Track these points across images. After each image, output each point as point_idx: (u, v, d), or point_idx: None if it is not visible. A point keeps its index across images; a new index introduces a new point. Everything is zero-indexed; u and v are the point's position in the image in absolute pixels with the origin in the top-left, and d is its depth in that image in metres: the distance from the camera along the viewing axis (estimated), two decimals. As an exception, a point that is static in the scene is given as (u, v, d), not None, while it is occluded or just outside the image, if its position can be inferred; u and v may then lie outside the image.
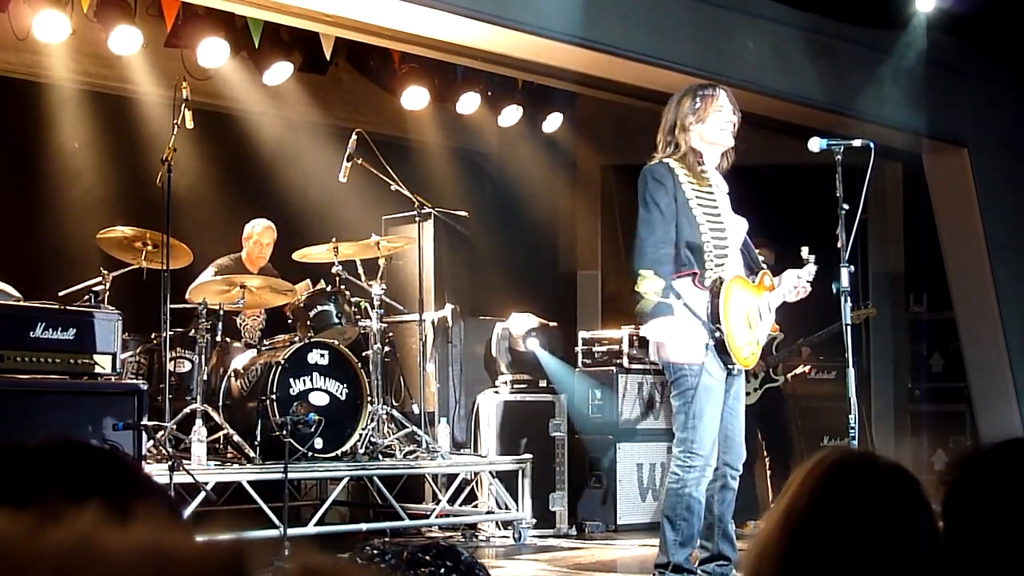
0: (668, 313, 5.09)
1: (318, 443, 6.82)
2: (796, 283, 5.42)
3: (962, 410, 9.75)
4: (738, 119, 5.38)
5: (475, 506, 7.71)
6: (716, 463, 5.26)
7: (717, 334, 5.13)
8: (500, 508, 7.62)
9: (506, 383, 8.19)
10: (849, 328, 5.29)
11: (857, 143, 5.44)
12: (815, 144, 5.40)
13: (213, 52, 7.84)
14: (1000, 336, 9.33)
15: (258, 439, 6.77)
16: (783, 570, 1.31)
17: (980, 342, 9.46)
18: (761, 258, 5.60)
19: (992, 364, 9.37)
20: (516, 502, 7.58)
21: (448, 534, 7.54)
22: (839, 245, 5.37)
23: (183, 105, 6.66)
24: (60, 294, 6.53)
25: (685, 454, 5.15)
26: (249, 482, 6.53)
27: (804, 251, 5.52)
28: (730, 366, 5.21)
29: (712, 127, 5.31)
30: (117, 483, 1.01)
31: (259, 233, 8.08)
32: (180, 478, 5.86)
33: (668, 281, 5.09)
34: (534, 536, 7.57)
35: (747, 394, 6.30)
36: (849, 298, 5.33)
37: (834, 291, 5.42)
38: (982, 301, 9.39)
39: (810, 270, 5.46)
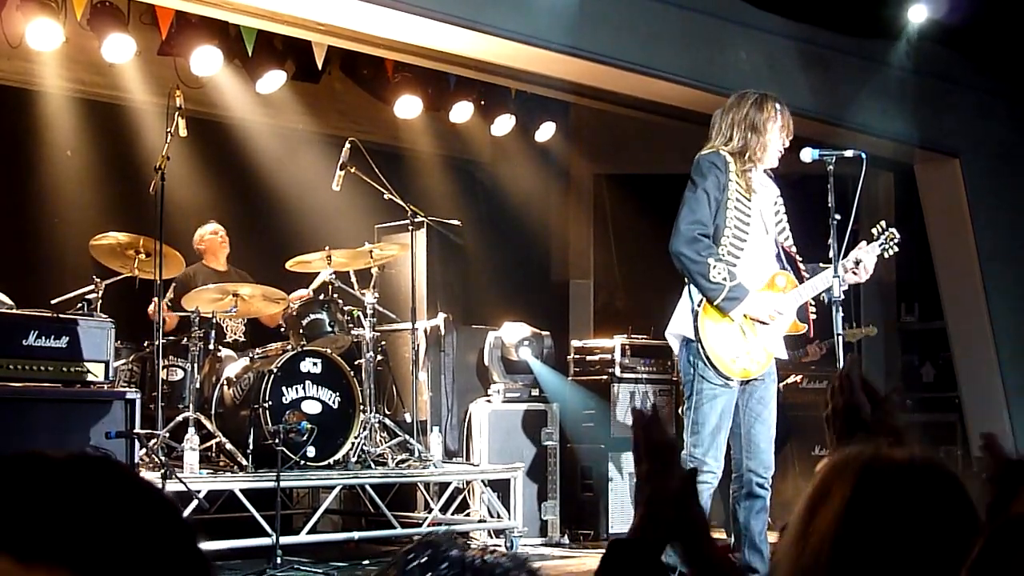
0: (746, 293, 5.24)
1: (310, 451, 6.81)
2: (858, 259, 5.42)
3: (953, 420, 9.75)
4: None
5: (467, 515, 7.70)
6: (741, 470, 5.29)
7: (696, 334, 5.23)
8: (492, 517, 7.62)
9: (498, 392, 8.19)
10: (841, 339, 5.30)
11: (849, 153, 5.47)
12: (807, 155, 5.42)
13: (206, 60, 7.85)
14: (991, 346, 9.35)
15: (251, 447, 6.76)
16: None
17: (971, 352, 9.48)
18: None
19: (983, 374, 9.40)
20: (508, 511, 7.59)
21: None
22: (831, 255, 5.40)
23: (177, 113, 6.67)
24: (53, 302, 6.53)
25: (690, 460, 5.19)
26: (241, 490, 6.52)
27: (879, 227, 5.52)
28: (726, 378, 5.25)
29: (775, 143, 5.39)
30: (118, 490, 1.01)
31: (210, 232, 8.06)
32: (172, 486, 5.86)
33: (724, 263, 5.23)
34: (526, 544, 7.57)
35: None
36: (841, 308, 5.34)
37: (825, 301, 5.43)
38: (973, 311, 9.42)
39: (867, 251, 5.46)
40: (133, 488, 1.03)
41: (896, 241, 5.51)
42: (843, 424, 2.17)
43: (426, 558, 1.05)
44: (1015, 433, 9.20)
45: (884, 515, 1.25)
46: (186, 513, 6.13)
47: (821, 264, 5.57)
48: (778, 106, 5.41)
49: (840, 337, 5.29)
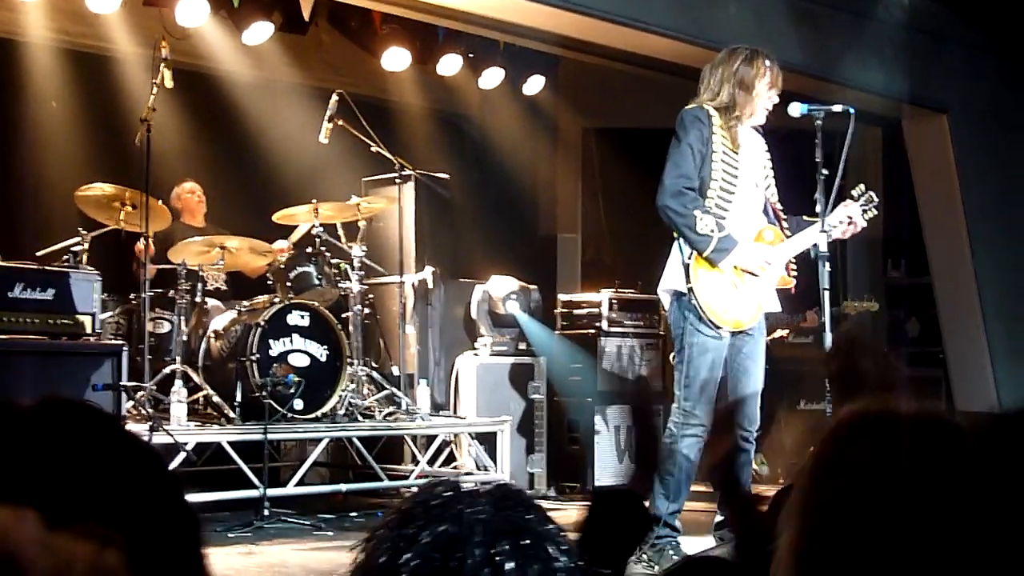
0: (735, 243, 5.26)
1: (298, 404, 6.82)
2: (843, 218, 5.45)
3: (938, 375, 9.79)
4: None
5: (454, 467, 7.73)
6: None
7: (688, 285, 5.24)
8: (479, 469, 7.65)
9: (486, 345, 8.20)
10: (827, 292, 5.31)
11: (837, 108, 5.46)
12: (796, 109, 5.42)
13: (192, 11, 7.76)
14: (976, 302, 9.38)
15: (238, 400, 6.77)
16: (808, 541, 1.27)
17: (956, 308, 9.51)
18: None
19: (968, 330, 9.43)
20: (495, 463, 7.62)
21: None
22: (818, 210, 5.40)
23: (162, 64, 6.60)
24: (38, 254, 6.50)
25: (680, 412, 5.24)
26: (229, 443, 6.53)
27: (859, 189, 5.55)
28: (718, 329, 5.29)
29: (763, 100, 5.38)
30: (104, 441, 1.00)
31: (187, 190, 8.00)
32: (160, 439, 5.87)
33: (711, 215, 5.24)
34: (513, 497, 7.60)
35: None
36: (828, 263, 5.35)
37: (812, 256, 5.44)
38: (959, 268, 9.44)
39: (855, 208, 5.49)
40: (111, 433, 1.01)
41: (875, 204, 5.55)
42: (845, 383, 2.23)
43: (423, 520, 1.03)
44: (998, 389, 9.26)
45: (895, 468, 1.26)
46: (173, 465, 6.15)
47: (804, 218, 5.58)
48: (768, 63, 5.40)
49: (827, 292, 5.31)
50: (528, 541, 0.99)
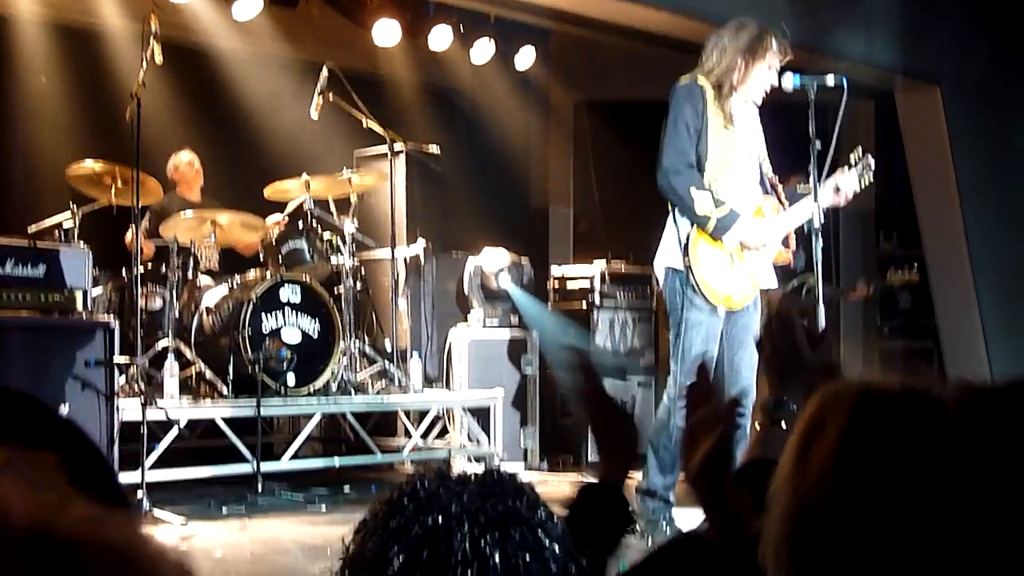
0: (737, 218, 5.26)
1: (291, 379, 6.82)
2: (839, 186, 5.47)
3: (929, 346, 9.83)
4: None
5: (447, 441, 7.75)
6: (722, 397, 5.33)
7: (686, 261, 5.25)
8: (472, 442, 7.67)
9: (478, 319, 8.20)
10: (820, 265, 5.32)
11: (830, 80, 5.45)
12: (788, 81, 5.41)
13: (182, -15, 7.71)
14: (968, 273, 9.40)
15: (231, 375, 6.76)
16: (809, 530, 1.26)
17: (948, 279, 9.53)
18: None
19: (959, 301, 9.45)
20: (488, 437, 7.63)
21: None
22: (811, 182, 5.40)
23: (152, 39, 6.55)
24: (30, 230, 6.49)
25: (675, 385, 5.26)
26: (223, 418, 6.54)
27: (856, 153, 5.55)
28: (713, 306, 5.30)
29: (763, 77, 5.37)
30: (33, 430, 0.96)
31: (185, 162, 7.99)
32: (153, 414, 5.87)
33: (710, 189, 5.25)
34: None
35: None
36: (821, 236, 5.36)
37: (805, 230, 5.45)
38: (951, 240, 9.45)
39: (850, 175, 5.49)
40: (37, 415, 0.98)
41: (872, 168, 5.54)
42: (781, 362, 2.24)
43: (412, 510, 1.02)
44: (990, 359, 9.29)
45: (880, 443, 1.26)
46: (167, 441, 6.16)
47: (797, 189, 5.58)
48: (775, 42, 5.37)
49: (819, 265, 5.32)
50: (516, 530, 0.99)
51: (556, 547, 0.99)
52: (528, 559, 0.97)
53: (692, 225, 5.29)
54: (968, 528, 1.22)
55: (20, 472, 0.74)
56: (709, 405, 1.99)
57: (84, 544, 0.65)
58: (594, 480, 1.94)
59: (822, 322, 5.18)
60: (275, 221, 7.65)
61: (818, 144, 5.34)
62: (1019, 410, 1.44)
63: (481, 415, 7.67)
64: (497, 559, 0.96)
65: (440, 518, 1.00)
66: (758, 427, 2.41)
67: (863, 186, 5.57)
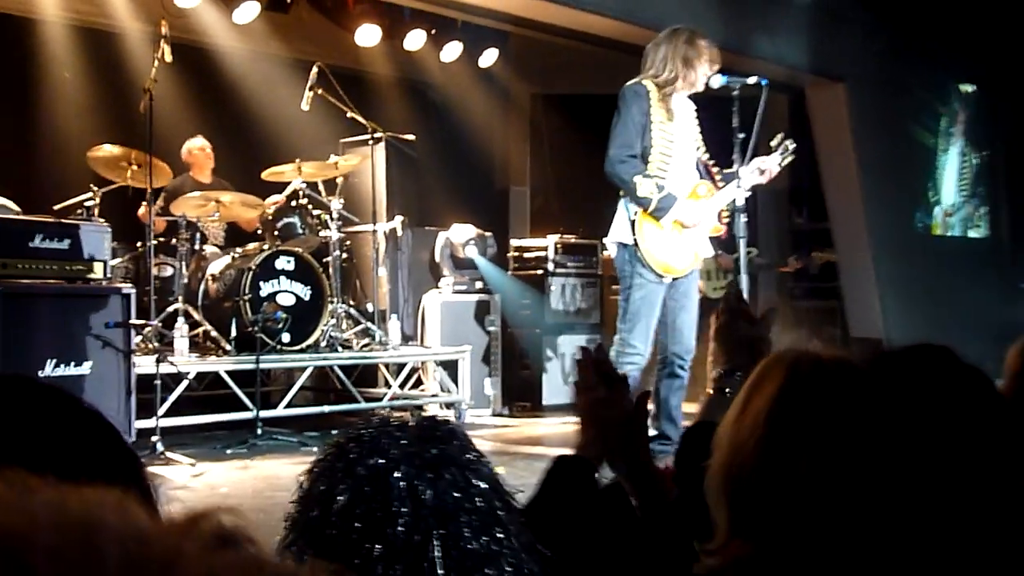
0: (674, 201, 5.28)
1: (285, 337, 6.78)
2: (762, 168, 5.48)
3: (835, 306, 9.91)
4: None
5: (422, 390, 7.75)
6: (666, 353, 5.37)
7: (634, 237, 5.27)
8: (443, 391, 7.67)
9: (448, 285, 8.19)
10: (743, 240, 5.35)
11: (752, 80, 5.46)
12: (716, 81, 5.42)
13: (188, -8, 7.59)
14: (867, 243, 9.50)
15: (233, 334, 6.72)
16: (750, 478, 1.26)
17: (850, 249, 9.61)
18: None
19: (859, 267, 9.55)
20: (457, 386, 7.63)
21: (399, 413, 7.57)
22: (735, 168, 5.42)
23: (162, 40, 6.48)
24: (55, 208, 6.42)
25: (621, 343, 5.29)
26: (226, 371, 6.51)
27: (778, 138, 5.57)
28: (659, 275, 5.32)
29: (702, 74, 5.36)
30: (63, 419, 0.91)
31: (198, 147, 7.91)
32: (165, 368, 5.83)
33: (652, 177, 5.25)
34: (472, 415, 7.63)
35: (715, 290, 6.69)
36: (745, 215, 5.38)
37: (730, 211, 5.47)
38: (853, 215, 9.53)
39: (775, 158, 5.51)
40: (36, 391, 0.93)
41: (792, 151, 5.56)
42: (727, 338, 2.32)
43: (355, 454, 1.01)
44: (885, 316, 9.39)
45: (808, 399, 1.28)
46: (178, 391, 6.12)
47: (727, 171, 5.61)
48: (705, 43, 5.39)
49: (743, 240, 5.34)
50: (447, 471, 0.98)
51: (483, 485, 0.99)
52: (457, 495, 0.96)
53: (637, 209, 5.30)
54: (878, 472, 1.23)
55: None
56: (596, 392, 1.90)
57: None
58: (570, 452, 1.84)
59: (744, 287, 5.21)
60: (273, 201, 7.60)
61: (741, 134, 5.36)
62: (917, 369, 1.46)
63: (451, 368, 7.66)
64: (429, 495, 0.95)
65: (381, 460, 0.99)
66: (708, 393, 2.42)
67: (782, 166, 5.59)
